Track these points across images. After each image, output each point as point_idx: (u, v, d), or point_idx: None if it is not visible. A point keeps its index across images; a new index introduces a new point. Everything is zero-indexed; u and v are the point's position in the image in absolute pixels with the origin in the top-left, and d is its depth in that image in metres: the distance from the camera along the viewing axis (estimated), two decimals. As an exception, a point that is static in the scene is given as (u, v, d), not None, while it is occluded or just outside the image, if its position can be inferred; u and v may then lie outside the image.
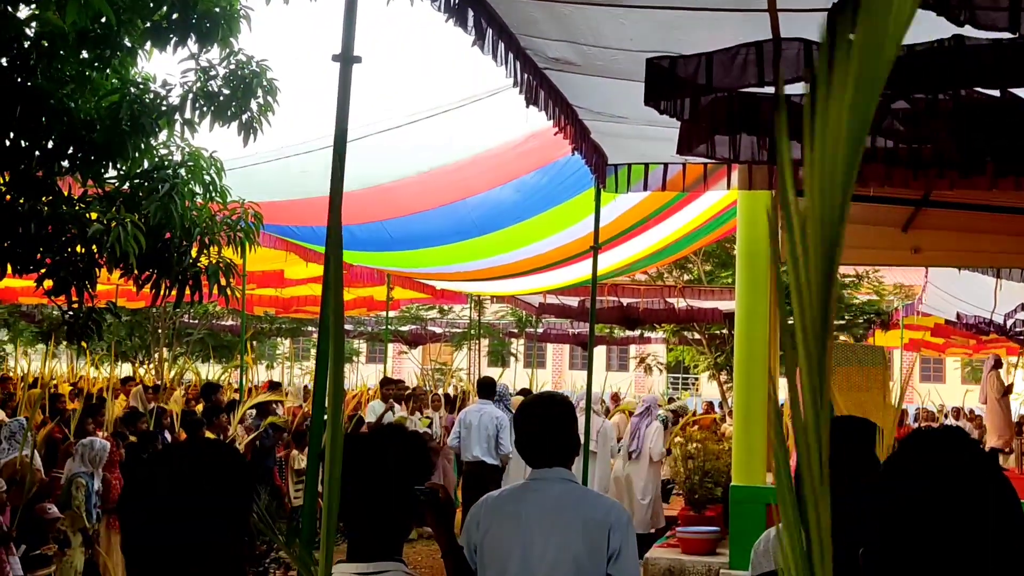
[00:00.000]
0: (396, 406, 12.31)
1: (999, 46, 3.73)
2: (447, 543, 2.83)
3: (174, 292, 6.44)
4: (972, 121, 4.32)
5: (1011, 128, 4.36)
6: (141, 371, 20.43)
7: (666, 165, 6.90)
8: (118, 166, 6.02)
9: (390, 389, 12.51)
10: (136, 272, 6.12)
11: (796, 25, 4.05)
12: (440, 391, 15.98)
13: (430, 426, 12.06)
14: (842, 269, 19.51)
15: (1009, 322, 15.87)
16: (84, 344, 6.79)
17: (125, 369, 23.33)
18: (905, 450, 1.53)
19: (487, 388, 11.02)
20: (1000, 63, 3.74)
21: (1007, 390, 12.68)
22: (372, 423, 11.13)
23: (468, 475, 10.50)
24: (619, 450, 11.67)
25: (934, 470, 1.45)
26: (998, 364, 12.57)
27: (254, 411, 10.37)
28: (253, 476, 1.95)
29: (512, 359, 29.74)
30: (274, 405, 10.97)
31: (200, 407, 11.04)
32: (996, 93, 4.16)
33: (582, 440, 3.68)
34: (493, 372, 22.99)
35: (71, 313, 5.95)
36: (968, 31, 3.53)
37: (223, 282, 6.62)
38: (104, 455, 7.82)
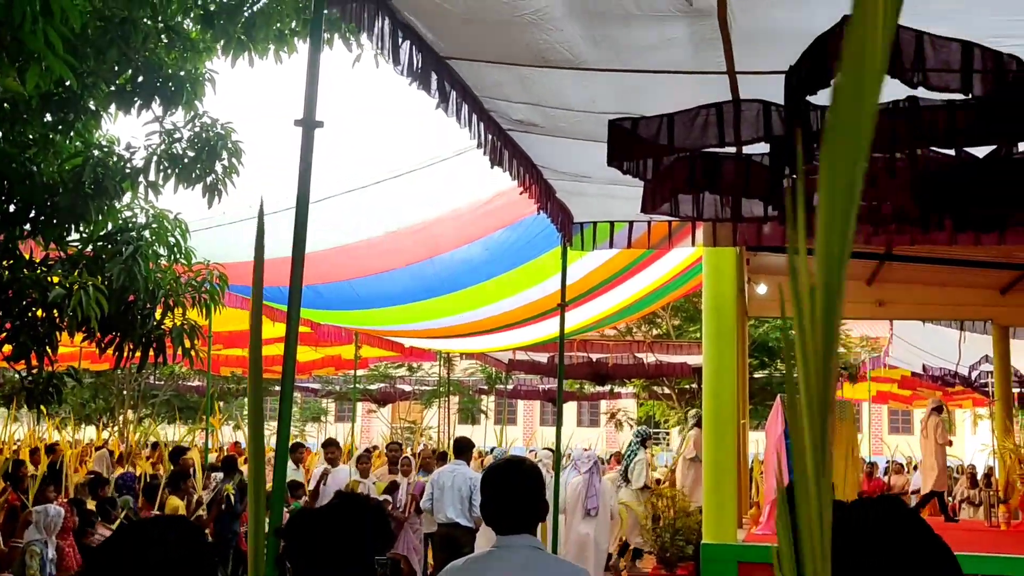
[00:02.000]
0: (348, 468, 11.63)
1: (952, 107, 3.80)
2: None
3: (138, 355, 6.36)
4: (929, 179, 4.39)
5: (967, 186, 4.44)
6: (105, 434, 20.11)
7: (631, 223, 6.95)
8: (81, 229, 5.98)
9: (333, 451, 11.55)
10: (99, 335, 6.05)
11: (755, 87, 4.11)
12: (409, 452, 15.46)
13: (392, 491, 11.29)
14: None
15: (974, 374, 16.04)
16: (44, 409, 6.67)
17: (89, 432, 22.95)
18: (846, 521, 1.54)
19: (462, 448, 10.84)
20: (954, 123, 3.81)
21: (949, 442, 12.81)
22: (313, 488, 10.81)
23: (442, 537, 10.28)
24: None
25: (872, 537, 1.46)
26: (940, 409, 12.66)
27: (220, 475, 10.21)
28: (215, 557, 1.89)
29: (482, 416, 29.57)
30: (239, 471, 10.80)
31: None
32: (951, 152, 4.23)
33: (550, 504, 3.64)
34: (464, 429, 22.85)
35: (30, 378, 5.86)
36: (922, 92, 3.60)
37: (187, 344, 6.56)
38: (58, 522, 7.65)
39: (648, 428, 14.37)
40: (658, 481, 13.43)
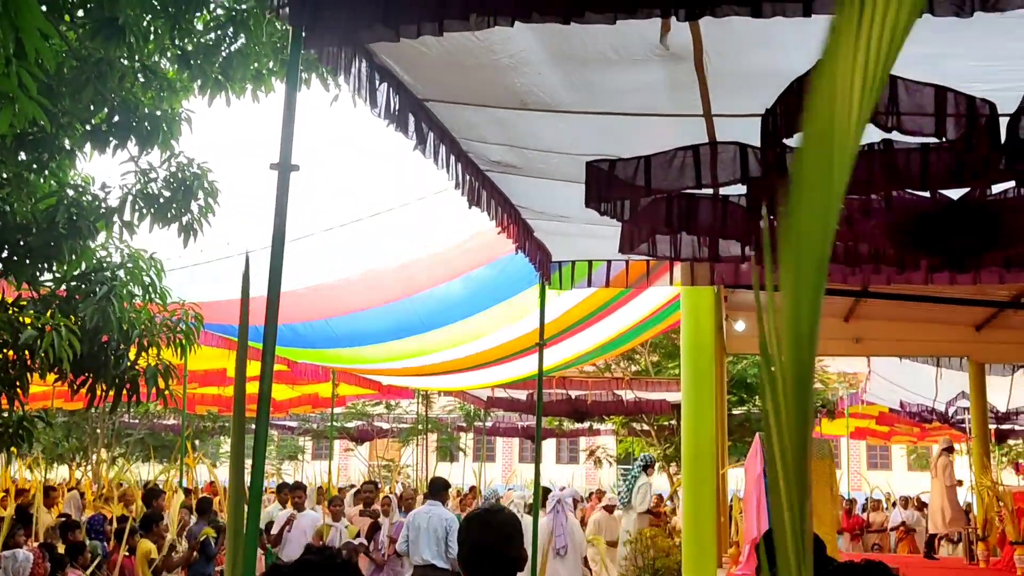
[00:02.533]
0: (311, 511, 10.87)
1: (926, 150, 3.83)
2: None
3: (111, 395, 6.28)
4: (904, 221, 4.42)
5: (942, 227, 4.47)
6: (78, 474, 19.82)
7: (609, 262, 6.96)
8: (54, 269, 5.92)
9: (288, 495, 10.83)
10: (71, 376, 5.97)
11: (731, 129, 4.14)
12: (389, 491, 15.11)
13: (373, 532, 10.72)
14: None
15: (951, 410, 16.10)
16: (14, 451, 6.55)
17: (62, 472, 22.63)
18: None
19: (438, 489, 10.63)
20: (927, 166, 3.85)
21: (959, 482, 12.74)
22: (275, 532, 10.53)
23: None
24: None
25: None
26: (950, 449, 12.63)
27: (195, 516, 10.06)
28: None
29: (461, 454, 29.39)
30: (217, 511, 10.64)
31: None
32: (926, 194, 4.27)
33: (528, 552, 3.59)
34: (442, 467, 22.67)
35: (0, 421, 5.76)
36: (896, 135, 3.63)
37: (161, 384, 6.48)
38: (27, 567, 7.50)
39: (651, 455, 14.31)
40: (660, 497, 13.36)
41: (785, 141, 3.85)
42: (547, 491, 11.99)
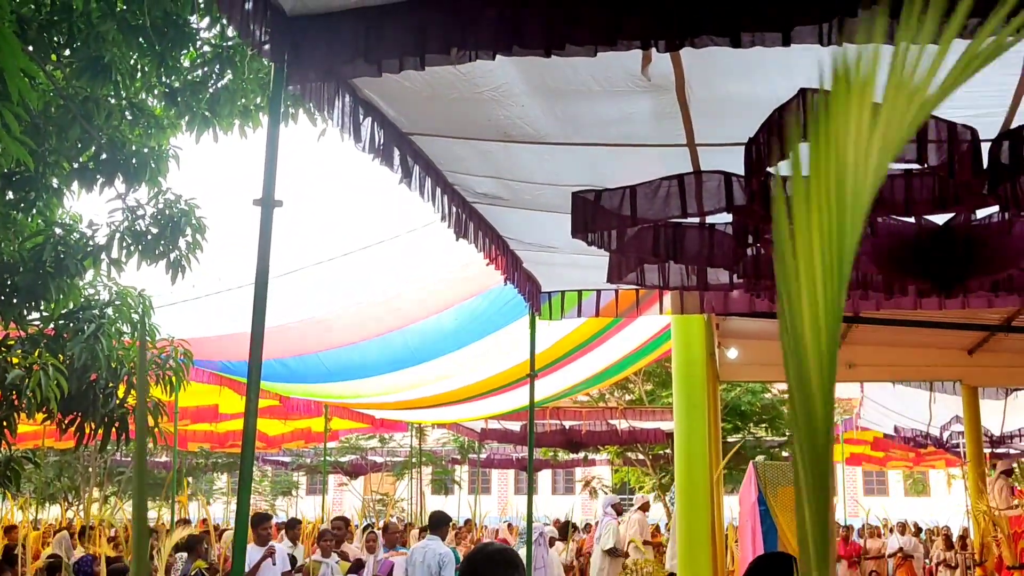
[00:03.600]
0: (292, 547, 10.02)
1: (909, 176, 3.85)
2: None
3: (100, 433, 6.24)
4: (890, 247, 4.43)
5: (927, 253, 4.48)
6: (69, 514, 19.66)
7: (599, 292, 6.96)
8: (41, 308, 5.90)
9: (266, 528, 9.31)
10: (59, 416, 5.93)
11: (715, 158, 4.15)
12: (377, 526, 14.72)
13: (356, 570, 10.05)
14: (780, 385, 19.73)
15: (945, 434, 16.07)
16: (5, 492, 6.49)
17: (53, 511, 22.44)
18: None
19: (437, 523, 10.30)
20: (911, 192, 3.86)
21: (1016, 505, 12.55)
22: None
23: None
24: None
25: None
26: (1009, 472, 12.48)
27: (185, 554, 9.96)
28: None
29: (456, 486, 29.23)
30: (204, 546, 10.53)
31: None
32: (911, 220, 4.28)
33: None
34: (437, 500, 22.54)
35: (-12, 462, 5.72)
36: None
37: (151, 423, 6.44)
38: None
39: (615, 497, 14.31)
40: (658, 527, 13.25)
41: (769, 169, 3.86)
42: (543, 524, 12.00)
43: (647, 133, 4.07)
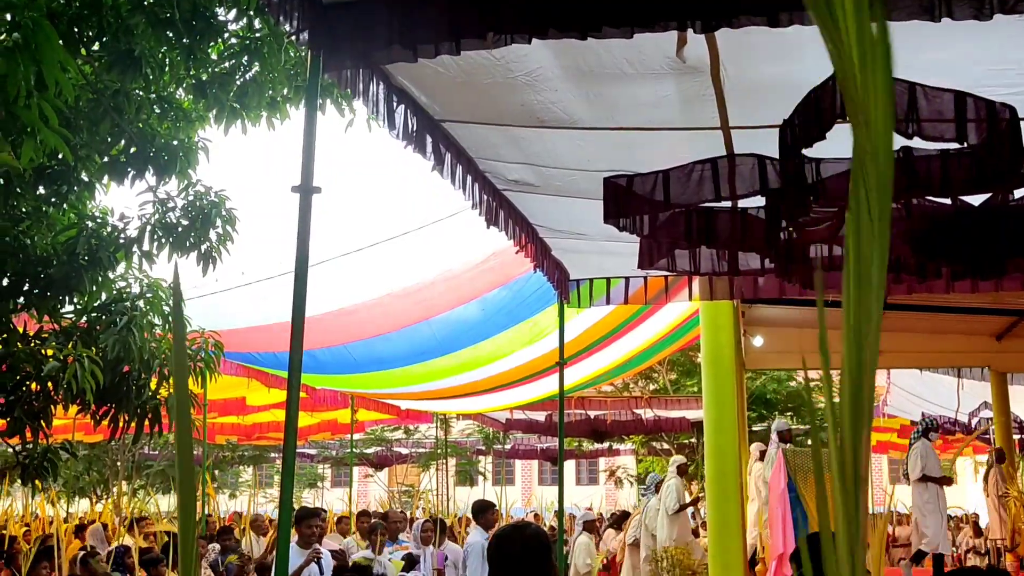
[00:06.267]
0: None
1: (946, 156, 3.82)
2: None
3: (133, 425, 6.28)
4: (925, 229, 4.39)
5: (963, 234, 4.44)
6: (99, 507, 19.82)
7: (627, 279, 6.94)
8: (75, 301, 5.94)
9: (310, 527, 7.74)
10: (93, 407, 5.97)
11: (749, 141, 4.13)
12: (421, 517, 14.12)
13: (410, 569, 8.83)
14: (803, 375, 19.63)
15: (973, 421, 15.97)
16: (39, 484, 6.55)
17: (83, 505, 22.66)
18: None
19: (477, 511, 9.60)
20: (948, 172, 3.83)
21: (1006, 492, 12.52)
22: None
23: None
24: None
25: None
26: (1000, 459, 12.46)
27: (218, 546, 10.05)
28: None
29: (480, 477, 29.30)
30: (234, 540, 10.62)
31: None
32: (947, 201, 4.24)
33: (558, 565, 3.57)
34: (461, 491, 22.61)
35: (25, 453, 5.77)
36: (916, 142, 3.61)
37: (183, 414, 6.48)
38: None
39: (657, 475, 14.18)
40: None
41: (804, 152, 3.84)
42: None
43: (680, 116, 4.06)
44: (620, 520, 14.77)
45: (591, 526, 13.05)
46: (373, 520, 9.87)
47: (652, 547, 12.00)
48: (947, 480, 11.68)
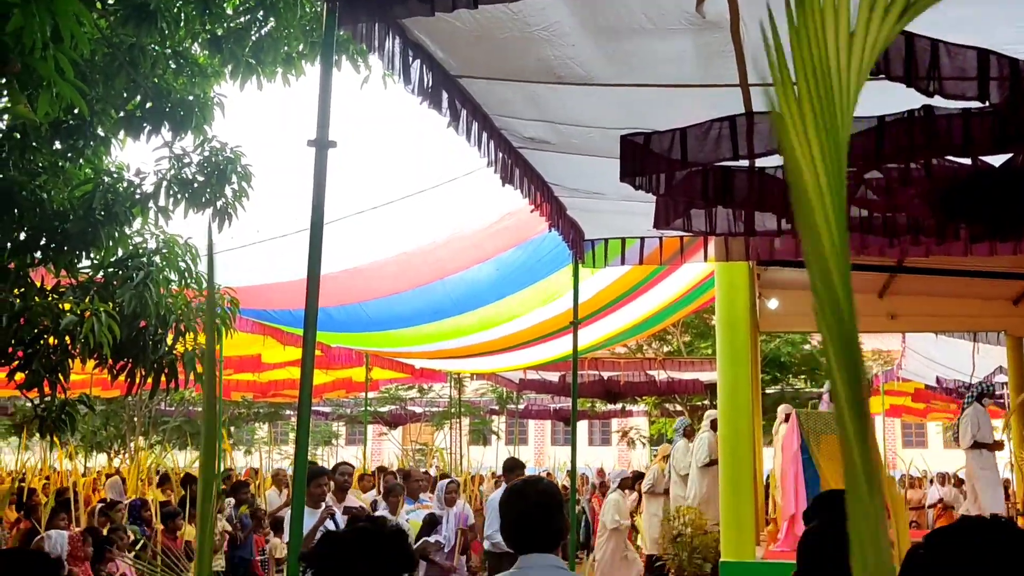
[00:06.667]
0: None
1: (968, 115, 3.77)
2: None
3: (149, 380, 6.33)
4: (945, 189, 4.35)
5: (983, 195, 4.40)
6: (116, 461, 20.06)
7: (643, 239, 6.92)
8: (91, 255, 5.97)
9: (320, 486, 7.64)
10: (111, 362, 6.02)
11: (768, 98, 4.08)
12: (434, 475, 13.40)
13: (432, 530, 8.54)
14: (820, 336, 19.59)
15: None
16: (56, 438, 6.61)
17: (100, 460, 22.92)
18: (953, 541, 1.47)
19: (507, 469, 9.56)
20: (969, 132, 3.78)
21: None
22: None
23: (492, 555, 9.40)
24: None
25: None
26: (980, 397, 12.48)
27: (232, 500, 10.16)
28: None
29: (493, 437, 29.47)
30: (248, 492, 10.73)
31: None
32: (967, 161, 4.20)
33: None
34: (475, 451, 22.76)
35: (43, 406, 5.82)
36: (938, 101, 3.57)
37: (199, 369, 6.52)
38: (62, 546, 7.59)
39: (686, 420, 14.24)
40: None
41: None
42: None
43: (699, 73, 4.02)
44: (633, 481, 14.85)
45: (626, 483, 13.09)
46: (390, 481, 9.68)
47: (681, 494, 12.15)
48: (998, 445, 11.66)
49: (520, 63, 3.95)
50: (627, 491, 12.89)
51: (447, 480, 9.50)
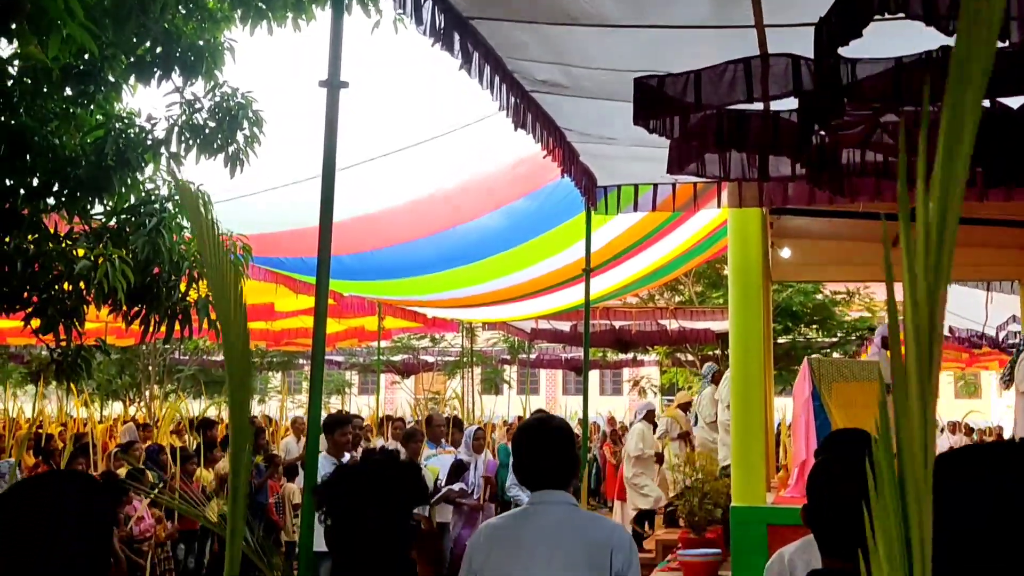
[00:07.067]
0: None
1: (988, 55, 3.71)
2: (434, 574, 2.78)
3: (163, 327, 6.37)
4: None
5: (1001, 138, 4.35)
6: (132, 409, 20.26)
7: (656, 186, 6.88)
8: (104, 202, 5.98)
9: (344, 435, 7.93)
10: (125, 308, 6.06)
11: (783, 41, 4.04)
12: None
13: (459, 476, 8.60)
14: (832, 286, 19.53)
15: (1001, 334, 15.90)
16: (72, 385, 6.68)
17: (116, 408, 23.15)
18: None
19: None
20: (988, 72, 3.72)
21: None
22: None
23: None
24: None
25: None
26: None
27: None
28: (109, 503, 1.92)
29: (505, 386, 29.64)
30: (265, 442, 10.84)
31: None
32: (986, 103, 4.15)
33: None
34: (487, 400, 22.90)
35: (59, 352, 5.88)
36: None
37: (213, 316, 6.56)
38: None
39: (714, 366, 14.21)
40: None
41: (839, 51, 3.75)
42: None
43: (713, 14, 3.97)
44: None
45: (651, 416, 13.23)
46: (409, 425, 9.65)
47: (706, 437, 12.25)
48: None
49: (532, 4, 3.90)
50: (651, 424, 13.16)
51: (475, 427, 9.53)
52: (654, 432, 13.53)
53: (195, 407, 21.44)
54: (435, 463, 8.73)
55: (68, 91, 5.85)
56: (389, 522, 2.24)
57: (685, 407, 14.46)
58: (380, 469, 2.26)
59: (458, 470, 8.64)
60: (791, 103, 4.34)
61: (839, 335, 21.00)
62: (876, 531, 0.70)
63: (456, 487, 8.49)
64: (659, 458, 13.26)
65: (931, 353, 0.68)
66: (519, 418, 18.42)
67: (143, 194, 6.19)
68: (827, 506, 2.03)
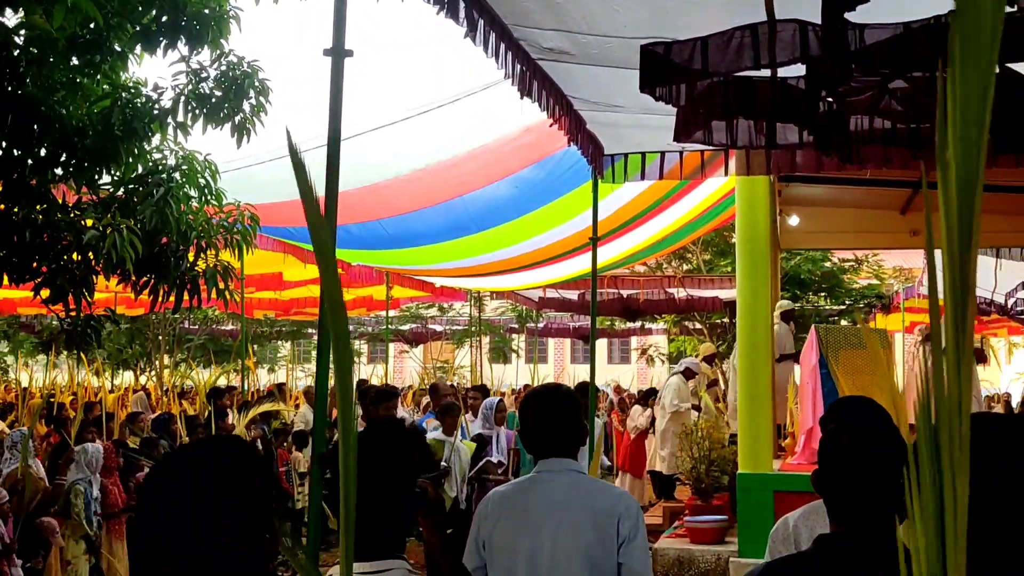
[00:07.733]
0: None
1: (1008, 20, 3.68)
2: (439, 541, 2.81)
3: (172, 297, 6.40)
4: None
5: (1010, 104, 4.32)
6: (143, 379, 20.37)
7: (663, 154, 6.85)
8: (112, 171, 5.99)
9: (390, 409, 7.94)
10: (133, 278, 6.09)
11: (790, 6, 4.01)
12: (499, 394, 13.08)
13: (483, 451, 8.18)
14: (841, 253, 19.50)
15: (1010, 301, 15.87)
16: (83, 354, 6.72)
17: (126, 377, 23.30)
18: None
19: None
20: (1006, 38, 3.70)
21: None
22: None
23: None
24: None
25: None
26: (927, 339, 12.45)
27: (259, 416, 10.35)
28: (269, 469, 1.88)
29: (514, 355, 29.72)
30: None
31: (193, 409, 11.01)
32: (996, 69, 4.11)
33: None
34: (496, 368, 22.98)
35: (69, 321, 5.91)
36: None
37: (221, 285, 6.59)
38: (99, 459, 7.78)
39: (694, 361, 14.18)
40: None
41: (847, 16, 3.73)
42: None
43: (720, -20, 3.94)
44: (647, 396, 14.98)
45: (689, 373, 13.20)
46: (446, 398, 9.09)
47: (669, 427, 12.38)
48: None
49: (538, -30, 3.88)
50: (690, 382, 13.16)
51: (496, 399, 9.22)
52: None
53: (205, 376, 21.58)
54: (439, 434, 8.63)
55: (74, 61, 5.84)
56: (396, 487, 2.26)
57: (710, 359, 14.47)
58: (384, 435, 2.28)
59: (481, 445, 8.37)
60: (799, 70, 4.32)
61: (847, 303, 20.98)
62: (912, 497, 0.71)
63: (494, 459, 8.24)
64: (697, 408, 13.14)
65: (965, 317, 0.69)
66: (525, 386, 18.47)
67: (150, 164, 6.20)
68: (836, 474, 2.05)
